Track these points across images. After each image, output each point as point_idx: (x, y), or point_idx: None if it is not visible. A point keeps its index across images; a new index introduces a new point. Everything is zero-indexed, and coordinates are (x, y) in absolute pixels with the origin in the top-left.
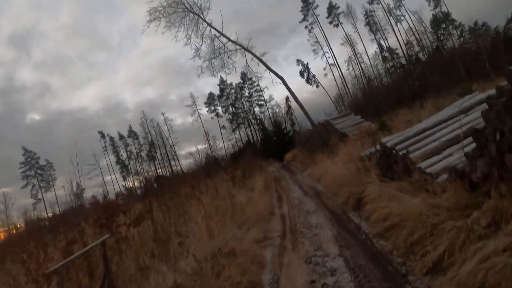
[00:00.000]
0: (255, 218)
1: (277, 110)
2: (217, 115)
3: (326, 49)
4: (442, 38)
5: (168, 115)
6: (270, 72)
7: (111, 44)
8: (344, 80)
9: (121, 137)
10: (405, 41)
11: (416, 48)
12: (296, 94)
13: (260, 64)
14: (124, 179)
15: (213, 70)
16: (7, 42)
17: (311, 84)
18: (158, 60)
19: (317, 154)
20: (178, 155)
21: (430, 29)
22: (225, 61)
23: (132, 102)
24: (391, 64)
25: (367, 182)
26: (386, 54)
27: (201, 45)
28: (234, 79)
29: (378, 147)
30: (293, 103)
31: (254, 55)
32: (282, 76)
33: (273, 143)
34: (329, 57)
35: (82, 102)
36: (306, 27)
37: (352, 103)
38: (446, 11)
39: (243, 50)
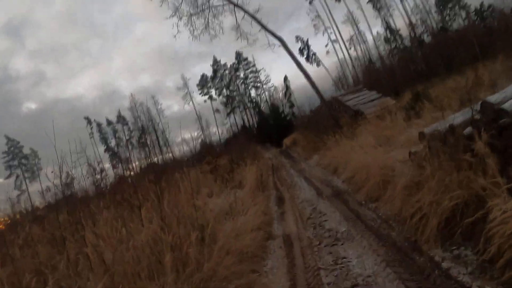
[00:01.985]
0: (235, 258)
1: (274, 93)
2: (211, 98)
3: (327, 24)
4: (448, 19)
5: (165, 101)
6: (267, 33)
7: (106, 32)
8: (349, 55)
9: (109, 123)
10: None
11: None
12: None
13: (254, 24)
14: (114, 167)
15: (194, 30)
16: (1, 31)
17: (311, 63)
18: (153, 47)
19: (326, 136)
20: (172, 142)
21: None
22: (209, 21)
23: (129, 89)
24: (394, 45)
25: (481, 188)
26: (390, 35)
27: (181, 2)
28: (228, 59)
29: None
30: (292, 84)
31: (246, 11)
32: (281, 37)
33: (270, 127)
34: (331, 33)
35: (78, 90)
36: None
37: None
38: None
39: (233, 6)
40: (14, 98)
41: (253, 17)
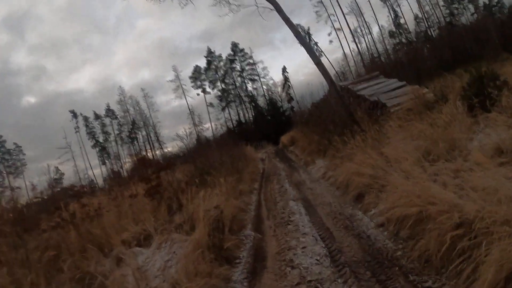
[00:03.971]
0: None
1: (272, 86)
2: (204, 91)
3: (331, 11)
4: (456, 13)
5: (165, 97)
6: None
7: (107, 27)
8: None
9: (97, 116)
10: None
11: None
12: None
13: None
14: (104, 163)
15: None
16: (2, 25)
17: None
18: (154, 42)
19: (336, 137)
20: (167, 138)
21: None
22: None
23: (129, 84)
24: (401, 38)
25: None
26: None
27: None
28: (223, 50)
29: None
30: (291, 81)
31: None
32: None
33: (267, 123)
34: (334, 20)
35: (78, 84)
36: None
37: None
38: None
39: None
40: (15, 92)
41: None
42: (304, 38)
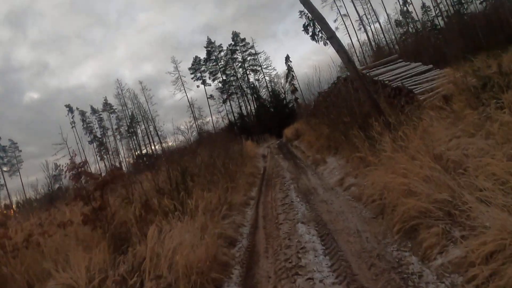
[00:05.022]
0: None
1: (275, 77)
2: (204, 83)
3: None
4: (464, 1)
5: (168, 91)
6: None
7: (109, 21)
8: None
9: (95, 111)
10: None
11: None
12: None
13: None
14: (102, 158)
15: None
16: (3, 21)
17: (317, 41)
18: (156, 36)
19: (355, 131)
20: (170, 132)
21: None
22: None
23: (132, 78)
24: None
25: None
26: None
27: None
28: (225, 43)
29: None
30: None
31: None
32: None
33: (270, 116)
34: (340, 6)
35: (81, 80)
36: None
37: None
38: None
39: None
40: (17, 88)
41: None
42: (312, 4)
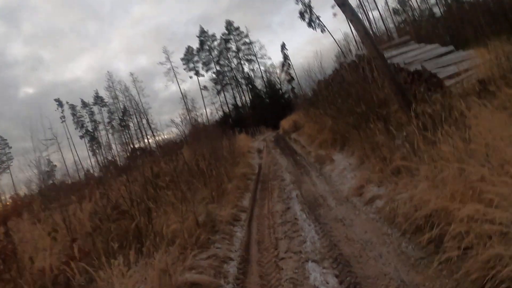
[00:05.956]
0: None
1: (270, 67)
2: (197, 73)
3: None
4: None
5: (163, 83)
6: None
7: (103, 14)
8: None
9: (85, 104)
10: None
11: None
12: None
13: None
14: (94, 153)
15: None
16: None
17: (314, 28)
18: (151, 29)
19: (372, 124)
20: (165, 125)
21: None
22: None
23: (126, 71)
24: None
25: None
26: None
27: None
28: (218, 32)
29: None
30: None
31: None
32: None
33: (266, 107)
34: None
35: (76, 73)
36: None
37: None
38: None
39: None
40: (12, 83)
41: None
42: None
